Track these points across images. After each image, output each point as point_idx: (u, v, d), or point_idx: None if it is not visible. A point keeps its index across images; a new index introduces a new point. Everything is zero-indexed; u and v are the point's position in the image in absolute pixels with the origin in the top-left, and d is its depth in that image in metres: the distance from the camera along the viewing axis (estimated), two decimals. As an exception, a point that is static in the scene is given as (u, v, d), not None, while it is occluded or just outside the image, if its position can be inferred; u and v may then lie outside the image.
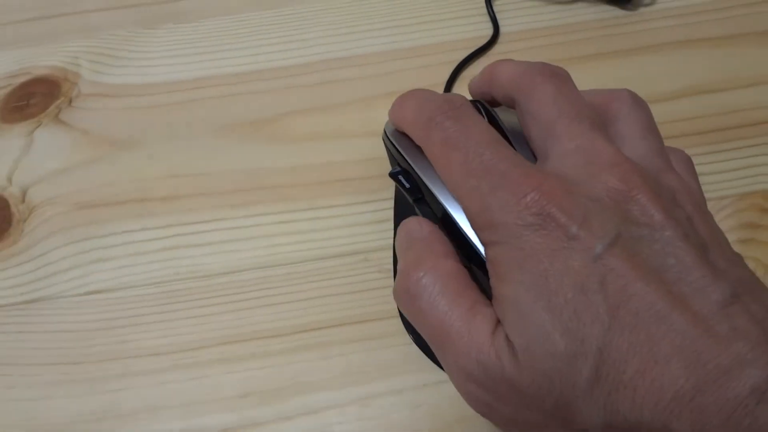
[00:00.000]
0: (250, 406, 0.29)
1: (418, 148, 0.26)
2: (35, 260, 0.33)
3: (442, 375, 0.29)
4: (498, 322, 0.21)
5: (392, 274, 0.32)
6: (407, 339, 0.30)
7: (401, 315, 0.31)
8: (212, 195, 0.35)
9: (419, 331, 0.23)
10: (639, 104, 0.25)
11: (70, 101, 0.38)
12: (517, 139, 0.25)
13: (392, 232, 0.33)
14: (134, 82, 0.39)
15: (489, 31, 0.40)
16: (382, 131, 0.29)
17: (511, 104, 0.26)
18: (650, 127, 0.24)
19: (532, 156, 0.25)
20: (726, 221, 0.33)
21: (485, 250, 0.22)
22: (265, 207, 0.34)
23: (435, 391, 0.29)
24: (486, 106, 0.27)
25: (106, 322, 0.31)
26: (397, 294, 0.24)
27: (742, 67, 0.38)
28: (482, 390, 0.21)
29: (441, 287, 0.22)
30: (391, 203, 0.34)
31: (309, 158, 0.36)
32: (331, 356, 0.30)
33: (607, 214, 0.20)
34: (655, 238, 0.20)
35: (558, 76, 0.24)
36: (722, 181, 0.34)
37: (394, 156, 0.28)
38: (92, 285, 0.32)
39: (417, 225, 0.25)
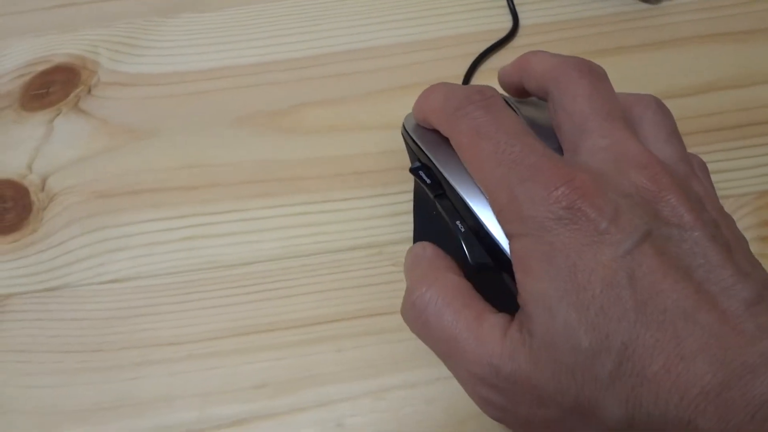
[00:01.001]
0: (265, 397, 0.29)
1: (439, 142, 0.26)
2: (54, 249, 0.34)
3: (455, 369, 0.29)
4: (509, 325, 0.21)
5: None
6: (421, 333, 0.30)
7: None
8: (228, 186, 0.35)
9: (427, 345, 0.23)
10: (663, 110, 0.25)
11: (90, 90, 0.39)
12: (538, 134, 0.25)
13: (408, 226, 0.33)
14: (152, 71, 0.39)
15: (508, 24, 0.40)
16: (401, 126, 0.29)
17: (543, 96, 0.25)
18: (674, 132, 0.24)
19: (558, 150, 0.24)
20: (746, 219, 0.33)
21: (510, 243, 0.22)
22: (281, 199, 0.34)
23: (449, 385, 0.29)
24: (507, 100, 0.27)
25: (124, 311, 0.32)
26: (403, 309, 0.24)
27: (763, 62, 0.38)
28: (496, 393, 0.21)
29: (446, 300, 0.23)
30: (407, 196, 0.34)
31: (325, 150, 0.36)
32: (345, 349, 0.30)
33: (638, 211, 0.20)
34: (684, 237, 0.20)
35: (594, 72, 0.24)
36: (742, 178, 0.34)
37: (413, 151, 0.28)
38: (110, 274, 0.33)
39: (421, 248, 0.26)
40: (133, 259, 0.33)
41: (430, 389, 0.29)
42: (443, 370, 0.29)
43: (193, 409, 0.29)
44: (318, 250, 0.33)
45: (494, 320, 0.22)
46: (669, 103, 0.25)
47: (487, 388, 0.21)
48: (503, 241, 0.23)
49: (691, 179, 0.22)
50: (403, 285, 0.31)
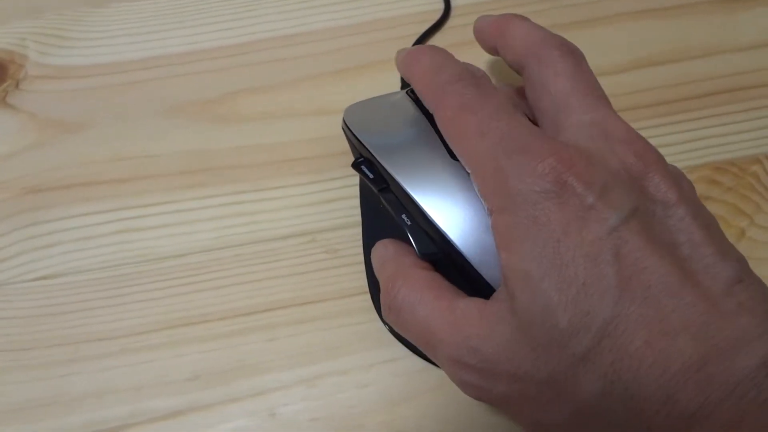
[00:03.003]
0: (198, 389, 0.29)
1: (380, 135, 0.26)
2: (-18, 247, 0.33)
3: (389, 355, 0.29)
4: (484, 306, 0.21)
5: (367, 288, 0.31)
6: (354, 319, 0.30)
7: (372, 295, 0.30)
8: (160, 177, 0.34)
9: (412, 342, 0.24)
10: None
11: (17, 84, 0.38)
12: None
13: (342, 212, 0.33)
14: (82, 63, 0.38)
15: (440, 5, 0.39)
16: (341, 119, 0.28)
17: (518, 69, 0.25)
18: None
19: None
20: (675, 194, 0.33)
21: (492, 218, 0.21)
22: (214, 189, 0.34)
23: (382, 370, 0.29)
24: None
25: (55, 308, 0.31)
26: (382, 313, 0.25)
27: (694, 37, 0.38)
28: (476, 374, 0.21)
29: (416, 296, 0.23)
30: (340, 183, 0.34)
31: (258, 138, 0.35)
32: (278, 338, 0.30)
33: (625, 187, 0.20)
34: (668, 215, 0.20)
35: (576, 53, 0.25)
36: (673, 153, 0.34)
37: (355, 146, 0.28)
38: (40, 271, 0.32)
39: (383, 248, 0.26)
40: (64, 255, 0.33)
41: (363, 375, 0.29)
42: (376, 356, 0.30)
43: (127, 404, 0.29)
44: (251, 239, 0.33)
45: (466, 305, 0.22)
46: (602, 80, 0.25)
47: (467, 370, 0.21)
48: (450, 232, 0.23)
49: (664, 159, 0.23)
50: (336, 271, 0.32)
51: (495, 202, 0.21)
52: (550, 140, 0.21)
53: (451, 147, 0.23)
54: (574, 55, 0.24)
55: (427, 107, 0.25)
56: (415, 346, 0.28)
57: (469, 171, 0.22)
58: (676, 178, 0.22)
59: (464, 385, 0.22)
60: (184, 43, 0.39)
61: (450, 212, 0.23)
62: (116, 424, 0.29)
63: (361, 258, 0.31)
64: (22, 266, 0.32)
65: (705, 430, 0.17)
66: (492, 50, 0.27)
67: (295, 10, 0.40)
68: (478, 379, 0.21)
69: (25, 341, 0.31)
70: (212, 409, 0.29)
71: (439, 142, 0.25)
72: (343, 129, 0.29)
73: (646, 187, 0.21)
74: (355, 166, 0.27)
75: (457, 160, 0.25)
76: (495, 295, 0.22)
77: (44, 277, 0.32)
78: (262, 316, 0.31)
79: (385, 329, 0.30)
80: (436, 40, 0.39)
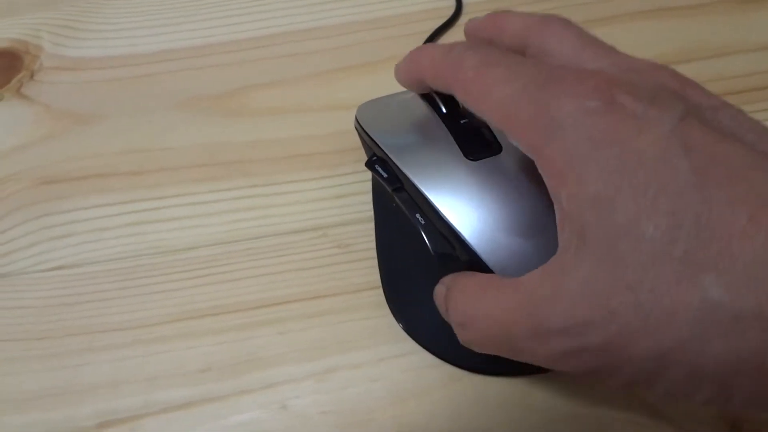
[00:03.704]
0: (210, 380, 0.30)
1: (394, 134, 0.26)
2: (-3, 237, 0.33)
3: (399, 350, 0.30)
4: (546, 266, 0.20)
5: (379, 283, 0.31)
6: (365, 314, 0.31)
7: (384, 291, 0.31)
8: (174, 170, 0.35)
9: (496, 350, 0.22)
10: None
11: (32, 75, 0.38)
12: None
13: (353, 207, 0.33)
14: (96, 55, 0.39)
15: (451, 2, 0.39)
16: (354, 119, 0.28)
17: (521, 51, 0.25)
18: None
19: None
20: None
21: (541, 157, 0.20)
22: (226, 182, 0.34)
23: (392, 365, 0.30)
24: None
25: (69, 298, 0.32)
26: (459, 335, 0.24)
27: (705, 37, 0.38)
28: (564, 338, 0.19)
29: (482, 297, 0.22)
30: (352, 178, 0.34)
31: (270, 133, 0.36)
32: (289, 331, 0.30)
33: (671, 95, 0.20)
34: (719, 116, 0.20)
35: (574, 24, 0.25)
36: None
37: (368, 144, 0.28)
38: (55, 261, 0.33)
39: (440, 285, 0.25)
40: (77, 246, 0.33)
41: (373, 369, 0.30)
42: (387, 351, 0.30)
43: (139, 394, 0.29)
44: (263, 233, 0.33)
45: (528, 277, 0.20)
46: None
47: (555, 338, 0.19)
48: (464, 231, 0.23)
49: None
50: (348, 266, 0.32)
51: (538, 137, 0.20)
52: (583, 69, 0.20)
53: (475, 107, 0.22)
54: (573, 25, 0.24)
55: (443, 88, 0.24)
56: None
57: (498, 123, 0.21)
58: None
59: (560, 359, 0.20)
60: (197, 36, 0.39)
61: (464, 211, 0.24)
62: (129, 414, 0.29)
63: (373, 253, 0.31)
64: (36, 256, 0.33)
65: None
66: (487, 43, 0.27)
67: (307, 5, 0.40)
68: (570, 342, 0.19)
69: (39, 331, 0.31)
70: (224, 400, 0.29)
71: (453, 140, 0.25)
72: (355, 127, 0.29)
73: (689, 97, 0.20)
74: (369, 165, 0.27)
75: (472, 159, 0.25)
76: (559, 249, 0.20)
77: (58, 268, 0.32)
78: (273, 310, 0.31)
79: (395, 324, 0.30)
80: (447, 37, 0.39)
